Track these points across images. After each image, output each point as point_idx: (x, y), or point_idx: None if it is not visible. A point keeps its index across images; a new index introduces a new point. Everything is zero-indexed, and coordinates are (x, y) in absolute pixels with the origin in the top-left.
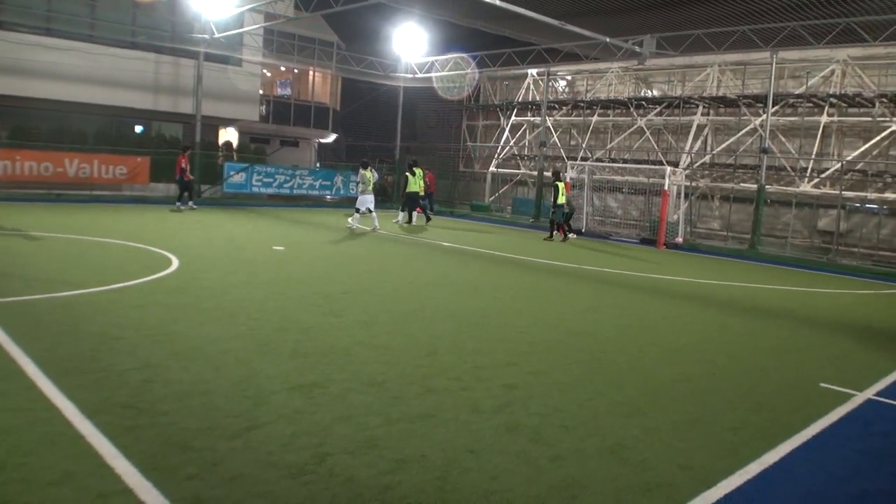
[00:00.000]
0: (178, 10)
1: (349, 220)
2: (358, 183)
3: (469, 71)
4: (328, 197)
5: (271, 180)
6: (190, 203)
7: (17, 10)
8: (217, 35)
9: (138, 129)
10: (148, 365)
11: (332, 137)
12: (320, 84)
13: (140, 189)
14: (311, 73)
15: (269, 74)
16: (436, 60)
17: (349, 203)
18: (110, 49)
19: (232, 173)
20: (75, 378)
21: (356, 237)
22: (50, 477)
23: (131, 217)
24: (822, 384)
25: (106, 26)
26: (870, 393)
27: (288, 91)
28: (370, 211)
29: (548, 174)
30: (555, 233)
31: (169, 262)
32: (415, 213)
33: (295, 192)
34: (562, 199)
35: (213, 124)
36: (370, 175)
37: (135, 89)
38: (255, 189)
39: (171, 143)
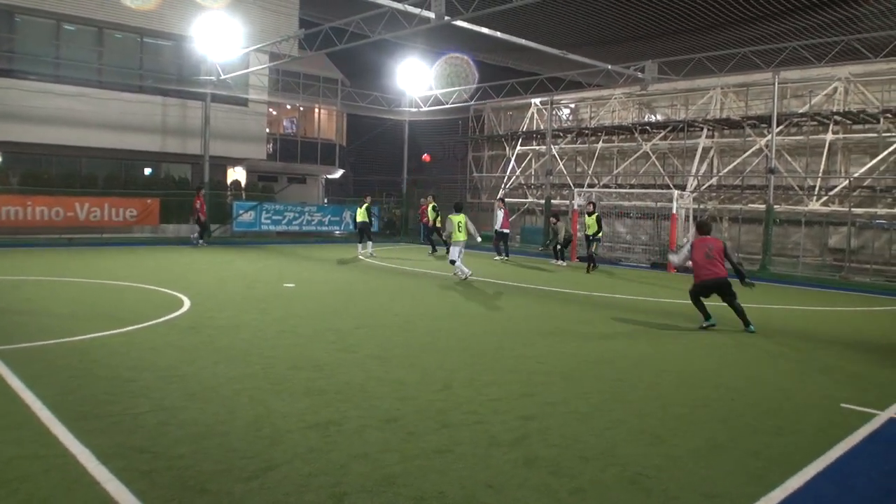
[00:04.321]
0: (184, 53)
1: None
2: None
3: (472, 103)
4: (337, 232)
5: (280, 217)
6: (201, 241)
7: (27, 58)
8: (223, 76)
9: (147, 171)
10: (163, 407)
11: (339, 173)
12: (326, 121)
13: (151, 231)
14: (316, 110)
15: (275, 113)
16: (440, 93)
17: (357, 238)
18: (118, 94)
19: (241, 212)
20: (90, 423)
21: (364, 271)
22: None
23: (142, 259)
24: (843, 405)
25: (113, 71)
26: (892, 412)
27: (294, 128)
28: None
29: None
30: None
31: (181, 303)
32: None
33: (304, 228)
34: (597, 230)
35: (222, 164)
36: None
37: (143, 132)
38: (264, 227)
39: (180, 185)
